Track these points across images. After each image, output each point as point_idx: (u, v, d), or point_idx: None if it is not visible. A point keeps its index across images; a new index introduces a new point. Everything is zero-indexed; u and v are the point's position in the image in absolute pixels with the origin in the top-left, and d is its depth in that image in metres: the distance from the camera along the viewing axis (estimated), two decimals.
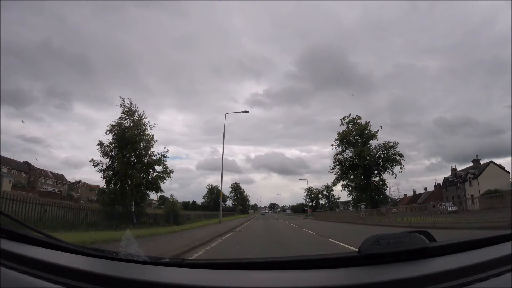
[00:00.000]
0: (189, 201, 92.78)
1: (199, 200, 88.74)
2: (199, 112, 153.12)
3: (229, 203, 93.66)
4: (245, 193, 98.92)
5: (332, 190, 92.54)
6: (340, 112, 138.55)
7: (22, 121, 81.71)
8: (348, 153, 40.80)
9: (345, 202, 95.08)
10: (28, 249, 1.09)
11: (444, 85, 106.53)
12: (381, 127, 40.71)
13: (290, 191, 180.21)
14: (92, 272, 0.95)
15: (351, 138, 40.65)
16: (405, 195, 73.40)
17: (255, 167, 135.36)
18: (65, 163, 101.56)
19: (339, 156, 41.64)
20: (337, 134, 41.32)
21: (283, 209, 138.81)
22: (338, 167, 41.72)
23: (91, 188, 60.02)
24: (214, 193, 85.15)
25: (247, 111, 28.91)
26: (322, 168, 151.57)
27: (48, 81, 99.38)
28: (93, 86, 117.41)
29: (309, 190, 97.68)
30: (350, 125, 40.77)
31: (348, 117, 41.12)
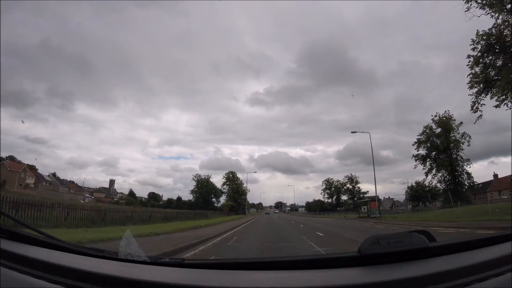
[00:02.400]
0: (176, 198, 75.27)
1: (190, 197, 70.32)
2: (203, 111, 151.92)
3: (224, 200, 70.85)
4: (244, 186, 70.30)
5: (357, 182, 71.37)
6: (344, 111, 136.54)
7: (22, 121, 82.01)
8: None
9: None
10: (28, 249, 1.09)
11: (450, 82, 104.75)
12: None
13: (295, 191, 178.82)
14: (92, 272, 0.95)
15: None
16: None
17: (258, 166, 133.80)
18: (69, 163, 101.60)
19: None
20: None
21: (294, 208, 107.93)
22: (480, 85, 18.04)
23: (15, 169, 49.89)
24: (203, 187, 66.85)
25: None
26: (327, 168, 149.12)
27: (51, 83, 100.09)
28: (96, 86, 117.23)
29: (328, 182, 75.98)
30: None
31: None
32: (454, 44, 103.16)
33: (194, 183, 68.96)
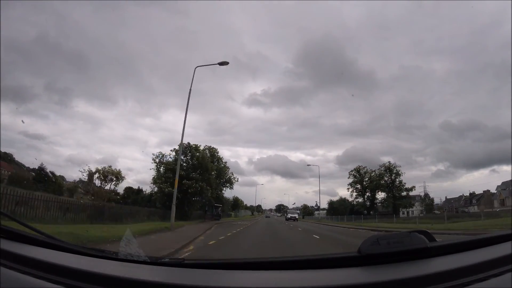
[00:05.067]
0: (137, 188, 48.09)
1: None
2: (202, 112, 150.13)
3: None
4: (224, 161, 42.70)
5: (398, 173, 48.26)
6: (344, 115, 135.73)
7: (22, 121, 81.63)
8: None
9: (423, 198, 53.76)
10: (28, 249, 1.09)
11: (452, 88, 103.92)
12: None
13: (295, 195, 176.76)
14: (92, 272, 0.95)
15: None
16: None
17: (258, 169, 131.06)
18: (68, 161, 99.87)
19: None
20: None
21: (308, 211, 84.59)
22: None
23: None
24: (170, 175, 27.36)
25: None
26: (327, 173, 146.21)
27: (50, 79, 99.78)
28: (95, 84, 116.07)
29: (358, 173, 52.15)
30: None
31: None
32: (456, 49, 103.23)
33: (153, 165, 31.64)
